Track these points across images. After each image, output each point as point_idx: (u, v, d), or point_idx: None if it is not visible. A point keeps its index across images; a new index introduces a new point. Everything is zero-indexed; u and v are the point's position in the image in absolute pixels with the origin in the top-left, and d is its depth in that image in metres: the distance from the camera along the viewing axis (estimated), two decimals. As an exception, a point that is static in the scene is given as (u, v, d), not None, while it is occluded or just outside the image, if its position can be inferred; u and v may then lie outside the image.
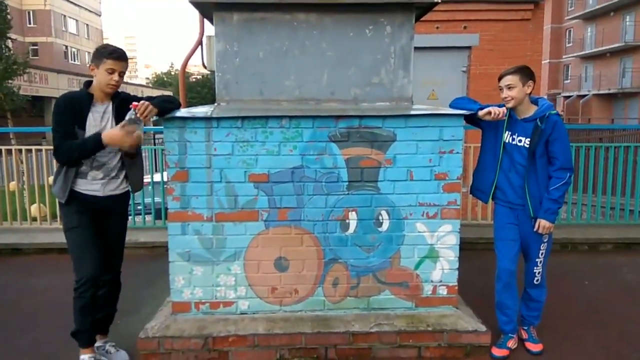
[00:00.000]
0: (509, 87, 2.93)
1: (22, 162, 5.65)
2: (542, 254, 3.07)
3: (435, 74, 7.64)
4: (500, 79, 2.99)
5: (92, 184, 2.81)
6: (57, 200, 2.86)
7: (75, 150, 2.69)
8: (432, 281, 3.17)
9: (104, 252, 2.89)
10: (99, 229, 2.88)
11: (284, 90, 3.18)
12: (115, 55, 2.73)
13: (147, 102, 2.72)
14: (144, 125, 2.77)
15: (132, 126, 2.67)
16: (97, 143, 2.67)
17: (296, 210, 3.06)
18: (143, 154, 5.71)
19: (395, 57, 3.18)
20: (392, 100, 3.22)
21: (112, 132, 2.68)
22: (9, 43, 24.56)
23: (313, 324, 3.06)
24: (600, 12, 33.52)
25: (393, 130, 3.02)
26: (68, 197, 2.75)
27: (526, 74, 2.93)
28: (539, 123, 2.91)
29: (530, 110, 2.98)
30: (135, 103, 2.67)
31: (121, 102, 2.83)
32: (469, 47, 7.86)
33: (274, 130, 2.98)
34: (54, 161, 2.84)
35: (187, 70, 8.78)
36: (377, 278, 3.15)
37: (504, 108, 2.96)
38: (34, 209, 5.88)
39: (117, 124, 2.78)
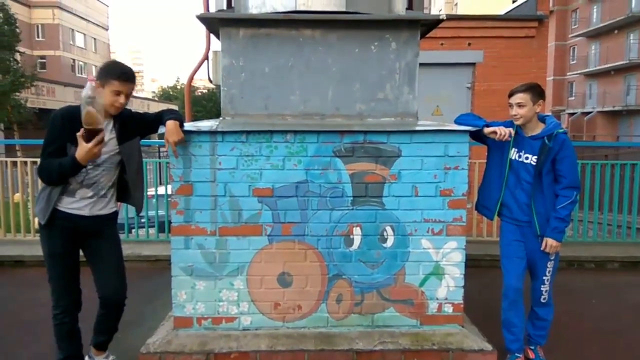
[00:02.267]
0: (520, 105, 2.92)
1: (27, 174, 5.66)
2: (549, 272, 3.04)
3: (440, 90, 7.67)
4: (510, 95, 2.98)
5: (79, 203, 2.65)
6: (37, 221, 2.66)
7: (54, 172, 2.52)
8: (437, 299, 3.13)
9: (104, 276, 2.77)
10: (89, 254, 2.78)
11: (289, 105, 3.18)
12: (124, 78, 2.59)
13: (175, 136, 2.79)
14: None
15: (92, 118, 2.39)
16: (74, 165, 2.48)
17: (300, 225, 3.04)
18: (148, 167, 5.73)
19: (400, 73, 3.19)
20: (397, 115, 3.22)
21: (80, 150, 2.44)
22: (18, 56, 24.90)
23: (316, 341, 3.02)
24: (604, 30, 33.72)
25: (398, 145, 3.01)
26: (49, 218, 2.60)
27: (537, 92, 2.92)
28: (546, 141, 2.90)
29: (538, 128, 2.97)
30: (91, 77, 2.42)
31: (126, 120, 2.74)
32: (473, 64, 7.92)
33: (279, 145, 2.98)
34: None
35: (193, 84, 8.84)
36: (381, 295, 3.11)
37: (510, 129, 2.95)
38: (37, 221, 5.88)
39: (120, 143, 2.71)
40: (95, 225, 2.73)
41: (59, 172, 2.52)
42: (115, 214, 2.87)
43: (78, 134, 2.45)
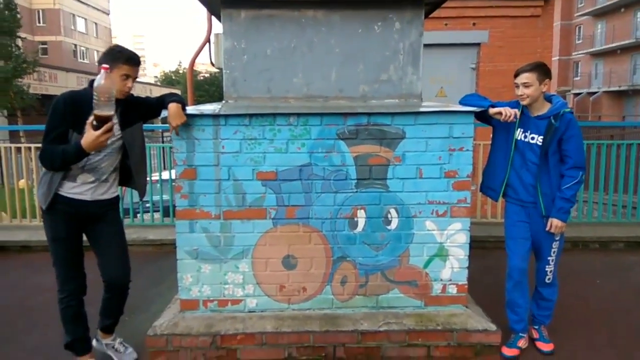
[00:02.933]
0: (526, 85, 2.88)
1: (31, 160, 5.67)
2: (553, 252, 3.03)
3: (444, 71, 7.58)
4: (516, 75, 2.94)
5: (81, 187, 2.65)
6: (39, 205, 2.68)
7: (57, 159, 2.51)
8: (441, 280, 3.14)
9: (107, 260, 2.78)
10: (92, 238, 2.79)
11: (292, 88, 3.15)
12: (132, 62, 2.60)
13: (178, 119, 2.77)
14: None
15: (103, 113, 2.40)
16: (79, 152, 2.47)
17: (304, 208, 3.04)
18: (151, 152, 5.73)
19: (404, 54, 3.15)
20: (401, 97, 3.19)
21: (87, 138, 2.44)
22: (19, 42, 24.81)
23: (321, 323, 3.05)
24: (610, 8, 33.21)
25: (402, 127, 2.99)
26: (51, 203, 2.60)
27: (543, 72, 2.89)
28: (552, 121, 2.87)
29: (544, 108, 2.93)
30: (105, 65, 2.41)
31: (128, 105, 2.72)
32: (478, 44, 7.80)
33: (282, 128, 2.96)
34: None
35: (195, 68, 8.80)
36: (385, 276, 3.12)
37: (516, 110, 2.92)
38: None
39: (122, 129, 2.71)
40: (97, 210, 2.74)
41: (62, 159, 2.51)
42: (117, 198, 2.88)
43: (88, 121, 2.44)
